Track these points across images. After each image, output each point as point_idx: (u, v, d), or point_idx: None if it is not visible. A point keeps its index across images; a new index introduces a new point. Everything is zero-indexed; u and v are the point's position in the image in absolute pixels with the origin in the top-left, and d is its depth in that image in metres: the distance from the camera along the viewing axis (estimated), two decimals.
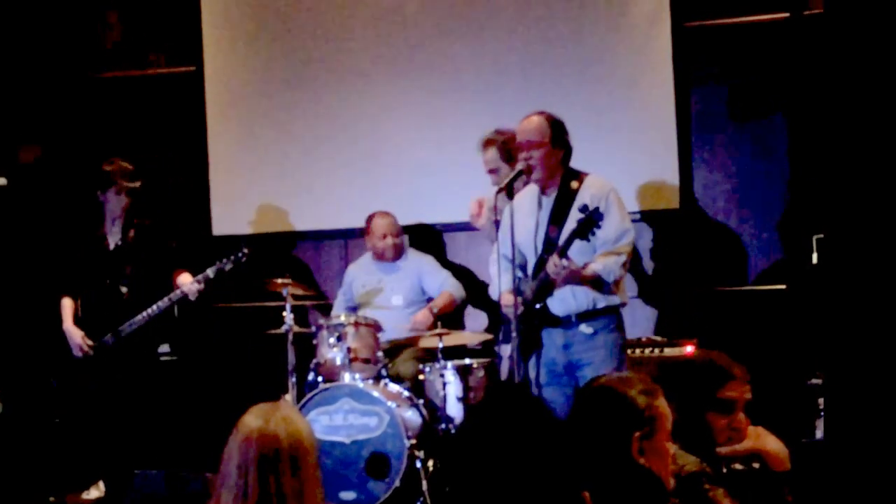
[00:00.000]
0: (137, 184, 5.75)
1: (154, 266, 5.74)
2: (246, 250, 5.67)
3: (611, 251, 4.60)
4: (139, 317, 5.59)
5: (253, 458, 2.41)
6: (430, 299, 6.19)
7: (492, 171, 5.54)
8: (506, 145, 5.47)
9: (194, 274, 5.68)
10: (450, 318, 6.15)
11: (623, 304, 4.75)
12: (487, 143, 5.58)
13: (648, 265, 6.29)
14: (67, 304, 5.75)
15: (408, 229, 6.43)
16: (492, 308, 5.83)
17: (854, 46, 4.16)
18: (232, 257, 5.64)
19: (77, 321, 5.70)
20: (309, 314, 6.68)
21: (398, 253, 6.27)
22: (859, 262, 4.22)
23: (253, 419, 2.47)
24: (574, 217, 4.47)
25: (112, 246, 5.75)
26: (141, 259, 5.73)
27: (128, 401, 5.58)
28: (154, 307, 5.59)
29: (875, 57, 4.12)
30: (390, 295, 6.19)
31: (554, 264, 4.41)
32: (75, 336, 5.65)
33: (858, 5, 4.17)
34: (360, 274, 6.31)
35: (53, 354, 5.76)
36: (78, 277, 5.78)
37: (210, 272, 5.62)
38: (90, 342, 5.63)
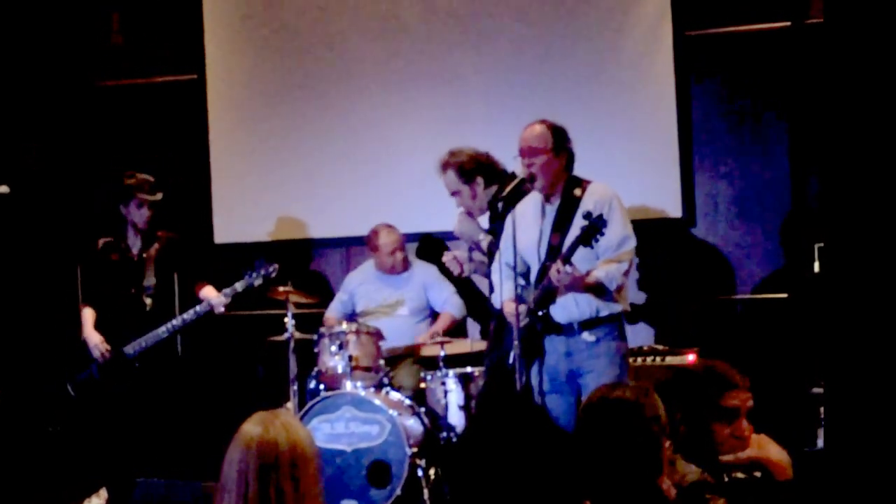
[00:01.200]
0: (159, 196, 5.74)
1: (178, 278, 5.73)
2: (276, 265, 5.59)
3: (612, 258, 4.60)
4: (162, 329, 5.57)
5: (253, 465, 2.42)
6: (433, 311, 6.21)
7: (454, 194, 5.46)
8: (462, 167, 5.39)
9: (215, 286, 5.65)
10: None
11: (625, 312, 4.75)
12: (444, 167, 5.47)
13: (650, 274, 6.28)
14: (88, 313, 5.76)
15: (410, 238, 6.43)
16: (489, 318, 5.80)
17: (855, 55, 4.16)
18: (263, 272, 5.56)
19: (98, 331, 5.69)
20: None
21: (406, 265, 6.27)
22: (861, 271, 4.21)
23: (252, 426, 2.48)
24: (578, 224, 4.47)
25: (136, 258, 5.75)
26: (165, 271, 5.72)
27: (142, 410, 5.55)
28: (179, 319, 5.56)
29: (876, 65, 4.12)
30: (396, 305, 6.19)
31: (557, 270, 4.41)
32: (95, 342, 5.65)
33: (859, 13, 4.17)
34: (364, 285, 6.29)
35: (71, 363, 5.75)
36: (99, 288, 5.78)
37: (238, 286, 5.56)
38: (108, 348, 5.63)
